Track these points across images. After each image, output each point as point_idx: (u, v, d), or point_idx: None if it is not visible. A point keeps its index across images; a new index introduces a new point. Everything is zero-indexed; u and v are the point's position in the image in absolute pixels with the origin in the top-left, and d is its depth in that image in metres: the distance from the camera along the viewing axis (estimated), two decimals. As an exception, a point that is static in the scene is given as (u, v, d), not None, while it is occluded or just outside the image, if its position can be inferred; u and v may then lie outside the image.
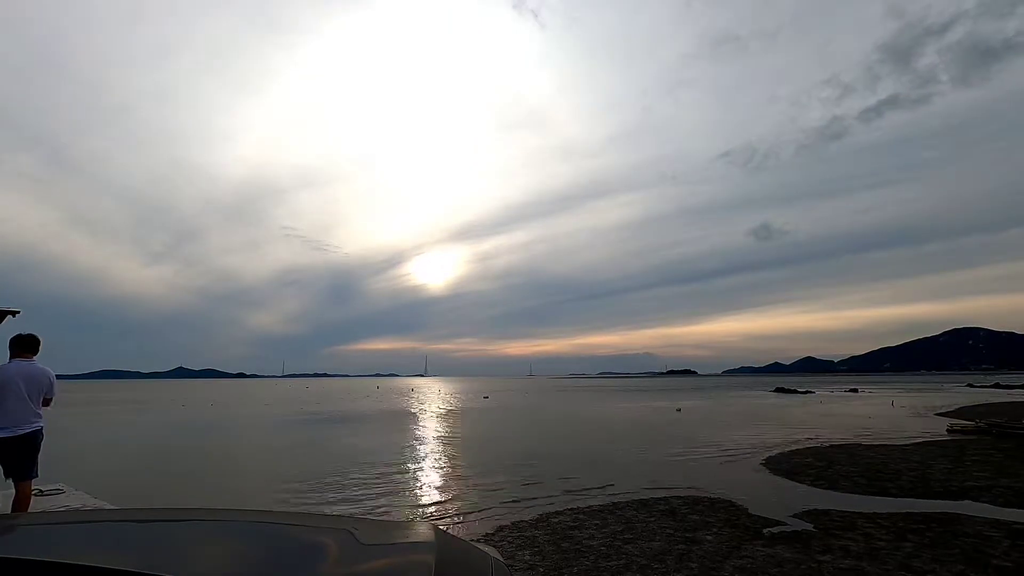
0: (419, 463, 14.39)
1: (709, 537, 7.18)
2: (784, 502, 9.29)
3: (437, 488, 11.28)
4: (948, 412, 28.72)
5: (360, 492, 10.80)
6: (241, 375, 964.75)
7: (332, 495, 10.55)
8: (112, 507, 5.69)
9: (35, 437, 4.97)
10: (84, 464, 14.69)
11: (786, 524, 7.87)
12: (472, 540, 1.47)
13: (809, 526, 7.75)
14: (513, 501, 9.74)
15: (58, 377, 5.26)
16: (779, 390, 63.64)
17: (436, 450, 16.83)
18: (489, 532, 7.84)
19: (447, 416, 31.36)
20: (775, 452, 15.14)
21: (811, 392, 57.84)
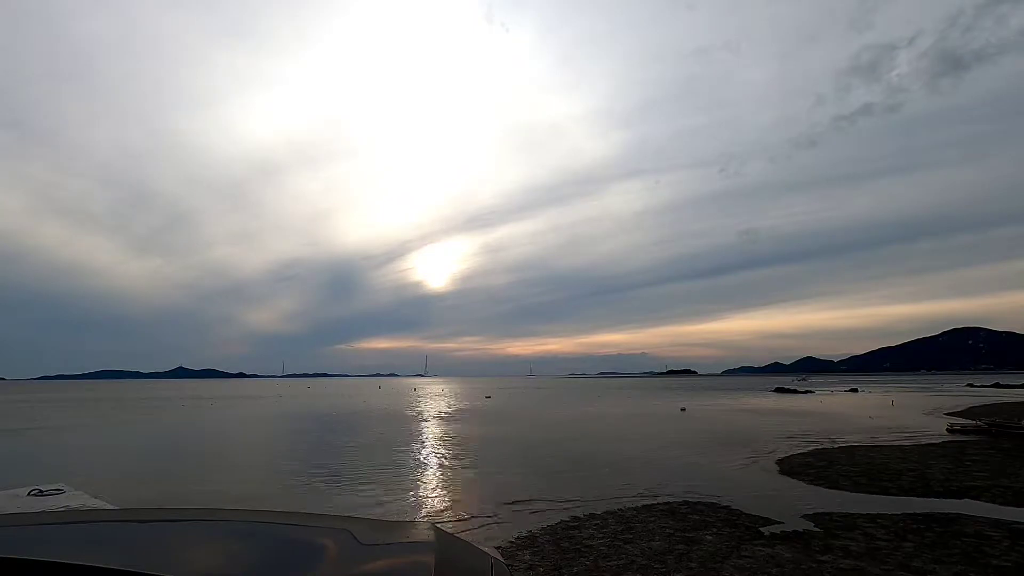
0: (421, 462, 14.39)
1: (709, 537, 7.19)
2: (784, 502, 9.31)
3: (438, 487, 11.29)
4: (948, 412, 28.76)
5: (361, 491, 10.81)
6: (241, 375, 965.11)
7: (333, 494, 10.56)
8: (112, 507, 5.69)
9: None
10: (84, 464, 14.71)
11: (786, 524, 7.88)
12: (472, 540, 1.47)
13: (809, 526, 7.76)
14: (513, 501, 9.74)
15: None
16: (779, 390, 63.69)
17: (438, 449, 16.84)
18: (489, 532, 7.86)
19: (450, 416, 31.38)
20: (775, 452, 15.15)
21: (811, 392, 57.89)
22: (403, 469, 13.44)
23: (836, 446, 16.05)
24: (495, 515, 8.85)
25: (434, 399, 53.02)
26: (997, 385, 72.35)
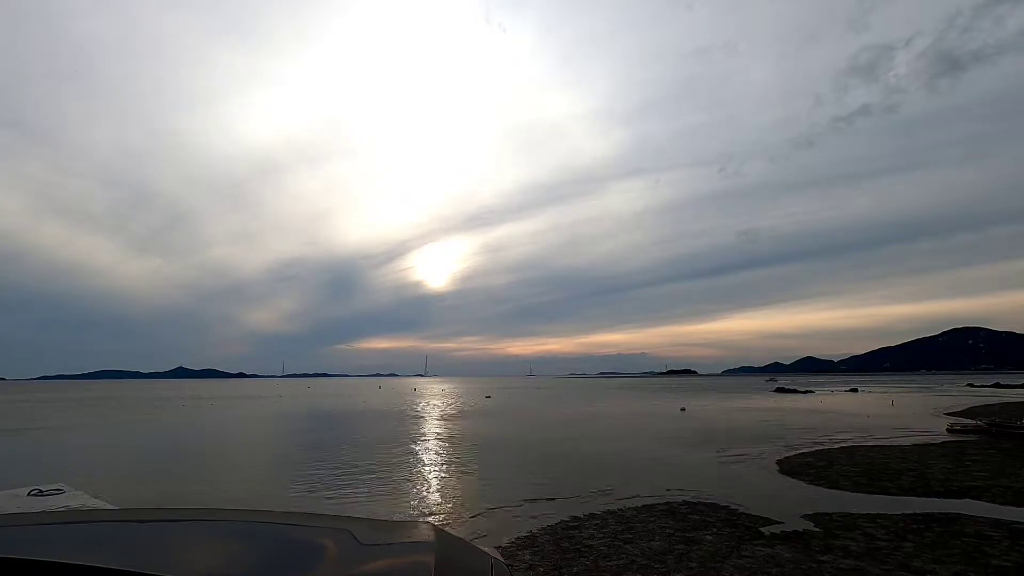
0: (421, 462, 14.40)
1: (709, 537, 7.19)
2: (784, 502, 9.31)
3: (438, 487, 11.29)
4: (948, 412, 28.76)
5: (361, 490, 10.82)
6: (241, 375, 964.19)
7: (333, 494, 10.56)
8: (112, 507, 5.69)
9: None
10: (84, 464, 14.70)
11: (786, 524, 7.88)
12: (472, 540, 1.47)
13: (809, 526, 7.76)
14: (513, 500, 9.75)
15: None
16: (779, 390, 63.70)
17: (438, 449, 16.84)
18: (489, 531, 7.86)
19: (450, 416, 31.39)
20: (775, 452, 15.15)
21: (811, 392, 57.89)
22: (403, 469, 13.44)
23: (836, 446, 16.04)
24: (495, 515, 8.86)
25: (434, 399, 53.02)
26: (997, 385, 72.36)
